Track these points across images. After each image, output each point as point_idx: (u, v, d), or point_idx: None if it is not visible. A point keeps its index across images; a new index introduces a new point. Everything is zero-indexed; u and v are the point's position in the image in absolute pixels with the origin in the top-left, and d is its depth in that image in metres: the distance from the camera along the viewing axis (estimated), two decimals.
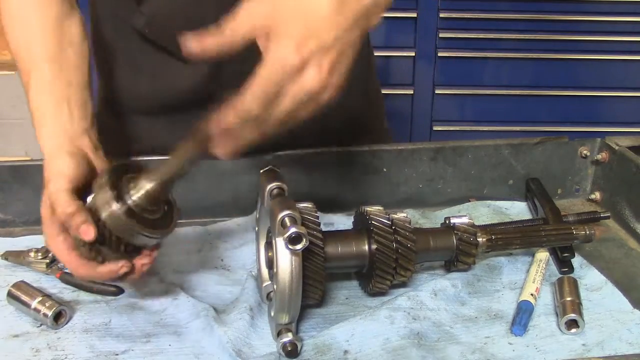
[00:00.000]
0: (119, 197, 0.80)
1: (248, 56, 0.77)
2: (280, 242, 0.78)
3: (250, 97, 0.69)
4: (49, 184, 0.83)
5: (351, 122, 1.23)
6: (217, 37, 0.72)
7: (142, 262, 0.85)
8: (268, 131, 0.73)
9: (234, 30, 0.72)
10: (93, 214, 0.81)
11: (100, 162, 0.89)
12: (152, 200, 0.82)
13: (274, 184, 0.85)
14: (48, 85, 0.91)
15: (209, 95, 1.09)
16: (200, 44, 0.72)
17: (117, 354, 0.83)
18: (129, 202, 0.81)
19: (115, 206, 0.80)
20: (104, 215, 0.80)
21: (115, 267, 0.83)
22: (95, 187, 0.82)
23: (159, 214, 0.84)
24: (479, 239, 0.94)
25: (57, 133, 0.88)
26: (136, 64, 1.12)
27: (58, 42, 0.93)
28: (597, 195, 1.20)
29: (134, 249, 0.85)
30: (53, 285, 0.96)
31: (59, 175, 0.83)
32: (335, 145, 1.17)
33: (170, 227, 0.85)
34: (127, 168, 0.85)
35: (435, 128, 2.65)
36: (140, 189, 0.81)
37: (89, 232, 0.80)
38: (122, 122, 1.17)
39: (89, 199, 0.83)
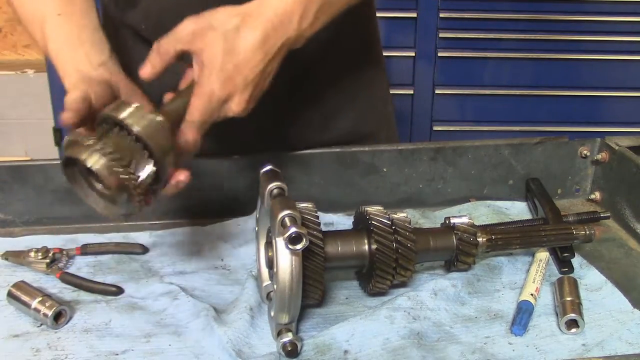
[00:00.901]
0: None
1: None
2: (280, 242, 0.78)
3: (191, 124, 0.84)
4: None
5: (357, 131, 1.24)
6: (158, 59, 0.86)
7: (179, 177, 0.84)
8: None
9: (169, 49, 0.85)
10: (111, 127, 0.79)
11: (123, 83, 0.90)
12: (174, 122, 0.82)
13: (274, 184, 0.84)
14: (63, 34, 0.93)
15: None
16: (148, 68, 0.86)
17: (117, 354, 0.83)
18: (160, 118, 0.80)
19: (152, 117, 0.79)
20: (139, 126, 0.78)
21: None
22: (118, 106, 0.81)
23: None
24: (479, 239, 0.94)
25: (75, 72, 0.90)
26: (130, 65, 1.12)
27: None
28: (597, 195, 1.20)
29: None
30: (53, 285, 0.96)
31: (73, 91, 0.84)
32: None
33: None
34: None
35: (435, 128, 2.65)
36: (164, 113, 0.82)
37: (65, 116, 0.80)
38: None
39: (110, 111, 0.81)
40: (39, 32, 0.95)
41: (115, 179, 0.76)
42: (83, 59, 0.91)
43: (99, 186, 0.80)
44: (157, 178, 0.81)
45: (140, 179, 0.79)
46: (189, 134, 0.84)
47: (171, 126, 0.82)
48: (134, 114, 0.80)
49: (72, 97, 0.82)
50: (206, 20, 0.84)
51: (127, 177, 0.77)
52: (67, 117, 0.81)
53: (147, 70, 0.86)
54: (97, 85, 0.86)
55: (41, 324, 0.88)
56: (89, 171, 0.77)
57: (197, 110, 0.83)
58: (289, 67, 1.08)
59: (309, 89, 1.16)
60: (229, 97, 0.84)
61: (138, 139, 0.79)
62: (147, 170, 0.79)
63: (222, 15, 0.84)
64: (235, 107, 0.85)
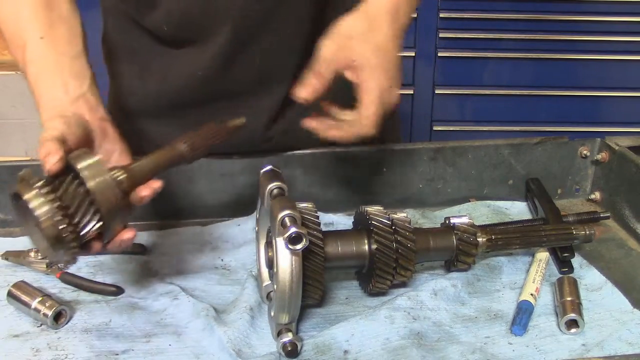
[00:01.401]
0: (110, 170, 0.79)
1: (255, 55, 1.05)
2: (280, 242, 0.78)
3: (372, 111, 0.89)
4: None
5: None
6: (317, 81, 0.91)
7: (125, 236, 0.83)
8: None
9: (324, 71, 0.91)
10: (71, 182, 0.78)
11: (97, 121, 0.88)
12: (137, 181, 0.81)
13: (274, 184, 0.85)
14: (42, 60, 0.92)
15: (218, 92, 1.10)
16: (310, 91, 0.91)
17: (117, 354, 0.83)
18: (120, 176, 0.80)
19: (109, 175, 0.78)
20: (91, 182, 0.77)
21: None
22: (79, 156, 0.79)
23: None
24: (479, 239, 0.94)
25: (52, 104, 0.88)
26: (145, 65, 1.12)
27: (48, 19, 0.94)
28: (597, 195, 1.20)
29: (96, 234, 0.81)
30: (53, 285, 0.96)
31: (50, 130, 0.82)
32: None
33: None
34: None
35: (435, 128, 2.64)
36: (128, 170, 0.81)
37: (51, 162, 0.78)
38: (132, 123, 1.17)
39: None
40: (20, 55, 0.93)
41: (52, 229, 0.75)
42: (60, 89, 0.89)
43: (37, 228, 0.78)
44: (101, 235, 0.81)
45: (81, 233, 0.78)
46: (372, 127, 0.90)
47: (131, 185, 0.81)
48: (92, 167, 0.78)
49: (48, 137, 0.80)
50: (340, 34, 0.91)
51: (63, 229, 0.76)
52: (50, 162, 0.78)
53: (308, 90, 0.91)
54: (73, 124, 0.84)
55: (41, 324, 0.88)
56: (32, 212, 0.75)
57: (372, 103, 0.89)
58: (293, 65, 1.09)
59: None
60: (390, 86, 0.90)
61: (89, 194, 0.77)
62: (91, 226, 0.78)
63: (349, 24, 0.92)
64: (395, 94, 0.92)
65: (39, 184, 0.76)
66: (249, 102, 1.11)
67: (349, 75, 0.91)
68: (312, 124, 0.95)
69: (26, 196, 0.75)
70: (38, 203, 0.75)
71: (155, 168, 0.84)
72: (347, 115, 0.94)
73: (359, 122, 0.91)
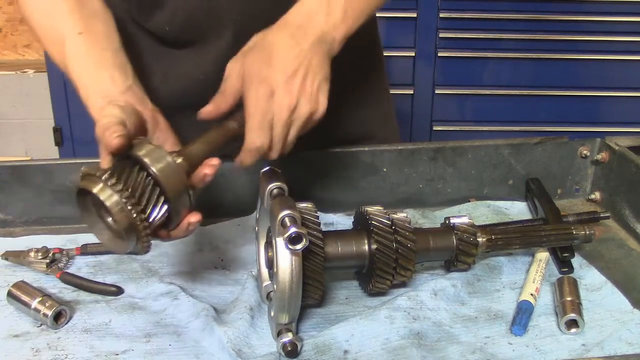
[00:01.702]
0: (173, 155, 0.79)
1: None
2: (280, 242, 0.78)
3: (247, 151, 0.88)
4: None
5: (364, 131, 1.24)
6: (221, 103, 0.91)
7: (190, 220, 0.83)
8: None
9: (227, 90, 0.90)
10: (131, 170, 0.78)
11: (148, 112, 0.89)
12: (195, 163, 0.82)
13: (274, 184, 0.85)
14: (85, 54, 0.92)
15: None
16: (214, 112, 0.91)
17: (117, 354, 0.83)
18: (180, 160, 0.80)
19: (171, 158, 0.78)
20: (155, 168, 0.77)
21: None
22: (138, 144, 0.80)
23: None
24: (479, 239, 0.94)
25: (102, 94, 0.88)
26: (147, 66, 1.12)
27: (84, 17, 0.95)
28: (597, 195, 1.20)
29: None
30: (53, 285, 0.96)
31: (108, 116, 0.82)
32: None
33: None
34: None
35: (435, 128, 2.65)
36: (186, 153, 0.82)
37: (113, 137, 0.78)
38: None
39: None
40: (58, 51, 0.94)
41: (125, 217, 0.76)
42: (108, 82, 0.89)
43: (108, 219, 0.79)
44: (169, 220, 0.81)
45: (150, 220, 0.78)
46: (257, 140, 0.86)
47: (190, 168, 0.82)
48: (153, 154, 0.79)
49: (108, 123, 0.79)
50: (244, 50, 0.91)
51: (136, 217, 0.76)
52: (112, 137, 0.77)
53: (209, 109, 0.91)
54: (129, 112, 0.84)
55: (41, 324, 0.88)
56: (101, 204, 0.76)
57: (250, 131, 0.86)
58: None
59: None
60: (271, 93, 0.86)
61: (154, 179, 0.78)
62: (159, 211, 0.78)
63: (254, 38, 0.91)
64: (305, 104, 0.87)
65: (105, 176, 0.76)
66: None
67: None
68: (201, 112, 0.93)
69: (94, 189, 0.75)
70: (107, 194, 0.75)
71: (210, 149, 0.85)
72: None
73: (245, 137, 0.88)
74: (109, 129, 0.78)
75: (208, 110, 0.91)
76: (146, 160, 0.78)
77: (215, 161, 0.83)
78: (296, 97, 0.86)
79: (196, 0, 1.04)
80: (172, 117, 1.13)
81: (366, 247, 0.90)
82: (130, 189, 0.76)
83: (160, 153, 0.79)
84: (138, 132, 0.84)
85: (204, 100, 1.11)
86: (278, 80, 0.86)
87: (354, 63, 1.21)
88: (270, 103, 0.86)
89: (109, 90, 0.88)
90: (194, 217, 0.82)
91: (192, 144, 0.85)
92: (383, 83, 1.31)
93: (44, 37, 0.98)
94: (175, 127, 1.13)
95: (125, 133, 0.79)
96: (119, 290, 0.95)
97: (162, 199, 0.78)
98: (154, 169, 0.77)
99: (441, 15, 2.49)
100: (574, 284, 0.91)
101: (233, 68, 0.90)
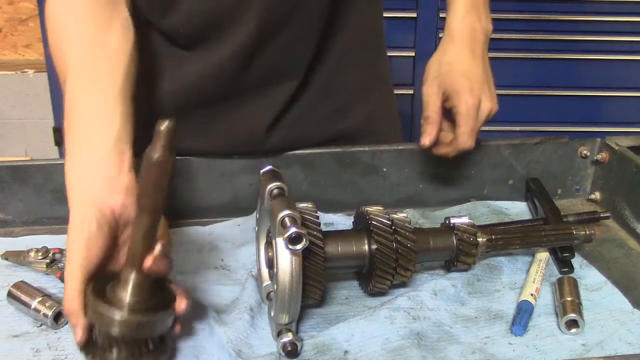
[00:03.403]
0: (116, 306, 0.74)
1: (272, 53, 1.07)
2: (280, 242, 0.78)
3: (464, 129, 1.03)
4: (68, 252, 0.79)
5: (369, 125, 1.24)
6: (432, 126, 1.05)
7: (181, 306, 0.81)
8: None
9: (434, 115, 1.05)
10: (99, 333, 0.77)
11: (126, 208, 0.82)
12: (142, 288, 0.76)
13: (274, 184, 0.84)
14: (81, 100, 0.88)
15: (230, 91, 1.10)
16: (432, 138, 1.05)
17: None
18: (127, 303, 0.75)
19: (119, 315, 0.73)
20: (114, 331, 0.73)
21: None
22: (89, 310, 0.76)
23: (156, 294, 0.78)
24: (479, 239, 0.94)
25: (86, 197, 0.81)
26: (156, 68, 1.11)
27: (91, 55, 0.91)
28: (597, 195, 1.20)
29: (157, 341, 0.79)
30: (53, 285, 0.96)
31: (77, 255, 0.78)
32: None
33: (172, 295, 0.80)
34: (103, 276, 0.79)
35: None
36: (127, 285, 0.75)
37: (78, 335, 0.77)
38: (146, 128, 1.16)
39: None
40: (62, 81, 0.90)
41: None
42: (98, 182, 0.81)
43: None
44: (172, 328, 0.81)
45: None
46: (468, 141, 1.03)
47: (143, 278, 0.76)
48: (102, 319, 0.74)
49: (70, 308, 0.77)
50: (431, 76, 1.06)
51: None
52: (79, 340, 0.77)
53: (431, 139, 1.05)
54: (102, 226, 0.79)
55: (41, 324, 0.88)
56: None
57: (463, 122, 1.02)
58: (305, 60, 1.10)
59: (322, 80, 1.17)
60: (479, 102, 1.03)
61: (129, 339, 0.75)
62: (160, 345, 0.79)
63: (435, 61, 1.07)
64: (488, 106, 1.05)
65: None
66: (258, 99, 1.12)
67: (447, 104, 1.05)
68: (426, 142, 1.05)
69: None
70: None
71: (148, 241, 0.76)
72: (449, 135, 1.07)
73: (457, 139, 1.03)
74: (73, 314, 0.77)
75: (430, 140, 1.05)
76: (104, 329, 0.75)
77: (157, 251, 0.77)
78: (492, 101, 1.05)
79: (212, 2, 1.03)
80: (184, 115, 1.13)
81: (366, 247, 0.90)
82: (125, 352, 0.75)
83: (109, 317, 0.74)
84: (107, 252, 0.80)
85: (215, 96, 1.11)
86: (480, 90, 1.04)
87: (362, 55, 1.21)
88: (478, 110, 1.03)
89: (95, 193, 0.81)
90: (183, 304, 0.80)
91: (131, 242, 0.76)
92: (385, 77, 1.31)
93: (53, 54, 0.95)
94: (186, 125, 1.13)
95: (86, 326, 0.77)
96: None
97: (150, 342, 0.78)
98: (116, 333, 0.74)
99: (441, 15, 2.49)
100: (574, 284, 0.91)
101: (431, 93, 1.05)
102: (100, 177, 0.82)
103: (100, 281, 0.78)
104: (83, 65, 0.91)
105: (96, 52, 0.92)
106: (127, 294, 0.75)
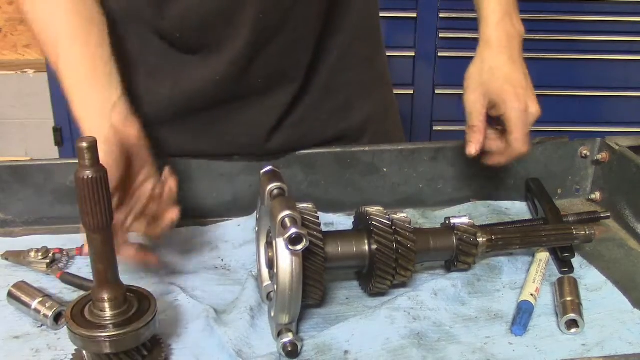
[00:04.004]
0: (98, 328, 0.75)
1: (271, 55, 1.07)
2: (280, 243, 0.78)
3: (517, 135, 1.02)
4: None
5: (370, 123, 1.24)
6: (478, 135, 1.05)
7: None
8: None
9: (479, 123, 1.05)
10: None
11: (132, 138, 0.91)
12: (118, 301, 0.76)
13: (274, 184, 0.84)
14: (77, 63, 0.94)
15: (232, 94, 1.10)
16: (478, 147, 1.05)
17: None
18: (108, 318, 0.75)
19: (105, 333, 0.74)
20: (104, 350, 0.74)
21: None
22: (74, 339, 0.75)
23: (132, 302, 0.79)
24: (479, 239, 0.94)
25: (91, 113, 0.91)
26: (156, 72, 1.11)
27: (81, 20, 0.96)
28: (597, 195, 1.20)
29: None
30: (53, 285, 0.96)
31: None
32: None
33: (149, 296, 0.81)
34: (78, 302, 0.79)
35: (435, 128, 2.65)
36: (103, 303, 0.76)
37: None
38: (146, 130, 1.16)
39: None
40: (52, 52, 0.95)
41: None
42: (97, 100, 0.92)
43: None
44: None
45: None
46: (524, 147, 1.03)
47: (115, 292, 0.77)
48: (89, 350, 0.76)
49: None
50: (474, 83, 1.07)
51: None
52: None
53: (477, 147, 1.05)
54: (115, 153, 0.87)
55: (41, 325, 0.88)
56: None
57: (516, 128, 1.02)
58: (305, 62, 1.10)
59: (323, 80, 1.17)
60: (527, 106, 1.03)
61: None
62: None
63: (475, 69, 1.07)
64: (534, 110, 1.03)
65: None
66: (260, 102, 1.12)
67: (493, 112, 1.05)
68: (472, 151, 1.06)
69: None
70: None
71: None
72: (501, 144, 1.06)
73: (511, 146, 1.03)
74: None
75: (477, 149, 1.05)
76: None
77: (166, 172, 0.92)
78: (537, 105, 1.04)
79: (208, 3, 1.03)
80: (185, 119, 1.13)
81: (366, 247, 0.90)
82: None
83: (95, 338, 0.74)
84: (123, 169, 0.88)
85: (217, 100, 1.11)
86: (526, 95, 1.03)
87: (355, 51, 1.20)
88: (527, 115, 1.02)
89: (99, 109, 0.91)
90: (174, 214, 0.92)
91: (92, 262, 0.77)
92: (384, 75, 1.31)
93: (39, 34, 0.98)
94: (188, 130, 1.14)
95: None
96: None
97: (143, 348, 0.78)
98: (107, 351, 0.75)
99: (441, 15, 2.49)
100: (574, 284, 0.91)
101: (475, 102, 1.05)
102: (117, 113, 0.92)
103: (77, 307, 0.78)
104: (76, 32, 0.96)
105: (86, 20, 0.97)
106: (105, 312, 0.76)
